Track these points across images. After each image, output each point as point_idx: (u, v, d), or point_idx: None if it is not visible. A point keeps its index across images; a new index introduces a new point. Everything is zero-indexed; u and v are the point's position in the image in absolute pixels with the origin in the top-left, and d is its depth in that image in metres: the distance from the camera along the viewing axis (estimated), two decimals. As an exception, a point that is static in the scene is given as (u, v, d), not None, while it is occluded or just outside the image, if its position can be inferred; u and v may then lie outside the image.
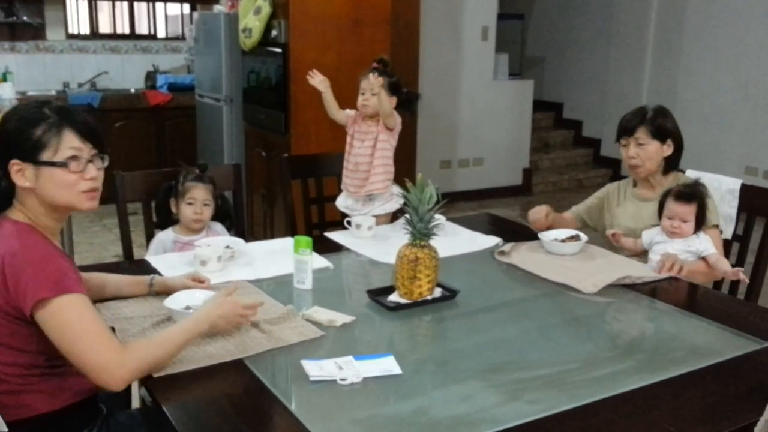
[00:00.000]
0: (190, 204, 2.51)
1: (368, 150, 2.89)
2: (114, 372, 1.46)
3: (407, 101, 2.91)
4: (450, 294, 2.02)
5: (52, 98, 5.82)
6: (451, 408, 1.47)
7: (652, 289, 2.17)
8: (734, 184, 2.63)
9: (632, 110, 2.59)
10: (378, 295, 2.00)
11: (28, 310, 1.47)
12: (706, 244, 2.36)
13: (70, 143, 1.57)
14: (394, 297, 1.97)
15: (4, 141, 1.57)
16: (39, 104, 1.60)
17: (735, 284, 2.53)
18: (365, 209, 2.91)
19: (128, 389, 2.00)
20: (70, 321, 1.47)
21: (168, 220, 2.60)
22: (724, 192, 2.63)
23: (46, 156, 1.55)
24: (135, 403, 2.10)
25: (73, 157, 1.57)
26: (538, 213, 2.67)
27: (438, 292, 2.01)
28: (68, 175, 1.57)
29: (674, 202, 2.38)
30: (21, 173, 1.55)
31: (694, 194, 2.38)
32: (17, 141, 1.55)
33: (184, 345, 1.59)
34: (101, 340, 1.48)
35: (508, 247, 2.44)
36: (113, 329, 1.76)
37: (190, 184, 2.52)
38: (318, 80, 2.92)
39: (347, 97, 2.97)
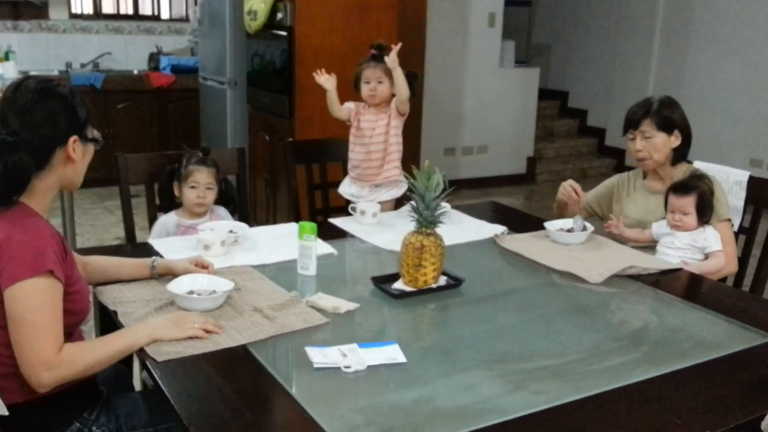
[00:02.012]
0: (192, 187, 2.49)
1: (381, 137, 2.86)
2: (40, 373, 1.45)
3: (407, 82, 2.87)
4: (455, 282, 2.01)
5: (55, 78, 5.80)
6: (455, 397, 1.46)
7: (657, 280, 2.15)
8: (742, 176, 2.61)
9: (638, 102, 2.56)
10: (383, 282, 1.98)
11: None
12: (711, 240, 2.34)
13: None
14: (398, 285, 1.96)
15: (67, 116, 1.57)
16: (57, 83, 1.61)
17: (740, 277, 2.51)
18: (371, 196, 2.88)
19: (130, 372, 2.01)
20: (29, 306, 1.45)
21: (171, 203, 2.58)
22: (731, 184, 2.61)
23: (90, 133, 1.63)
24: (137, 386, 2.09)
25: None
26: (567, 195, 2.63)
27: (443, 280, 1.99)
28: (92, 152, 1.65)
29: (672, 195, 2.38)
30: (74, 149, 1.58)
31: (690, 186, 2.37)
32: (75, 117, 1.58)
33: (122, 353, 1.57)
34: (46, 336, 1.45)
35: (507, 238, 2.44)
36: (115, 312, 1.75)
37: (193, 168, 2.50)
38: (324, 78, 2.85)
39: (353, 83, 2.92)
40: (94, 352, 1.54)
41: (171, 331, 1.60)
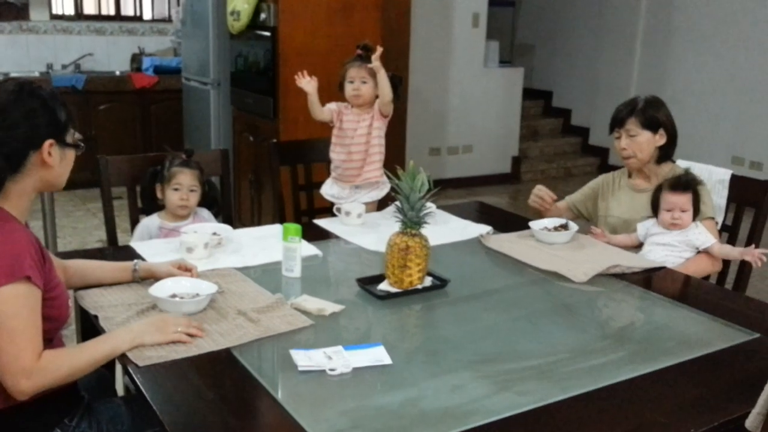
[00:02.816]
0: (176, 190, 2.47)
1: (363, 139, 2.85)
2: (20, 380, 1.43)
3: (392, 85, 2.86)
4: (440, 283, 2.00)
5: (36, 80, 5.73)
6: (441, 399, 1.45)
7: (641, 279, 2.16)
8: (724, 174, 2.63)
9: (624, 101, 2.58)
10: (368, 283, 1.97)
11: None
12: (705, 236, 2.34)
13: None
14: (384, 286, 1.95)
15: (45, 119, 1.54)
16: (39, 85, 1.59)
17: (723, 275, 2.53)
18: (352, 197, 2.87)
19: (112, 377, 1.98)
20: (7, 313, 1.42)
21: (153, 205, 2.56)
22: (714, 182, 2.62)
23: (70, 138, 1.60)
24: (119, 391, 2.07)
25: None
26: (539, 202, 2.63)
27: (428, 281, 1.99)
28: (73, 157, 1.63)
29: (671, 193, 2.36)
30: (48, 153, 1.54)
31: (689, 182, 2.38)
32: (54, 121, 1.56)
33: (103, 359, 1.54)
34: (24, 343, 1.43)
35: (492, 238, 2.44)
36: (96, 317, 1.73)
37: (176, 170, 2.48)
38: (305, 81, 2.82)
39: (337, 84, 2.91)
40: (74, 359, 1.51)
41: (154, 336, 1.58)
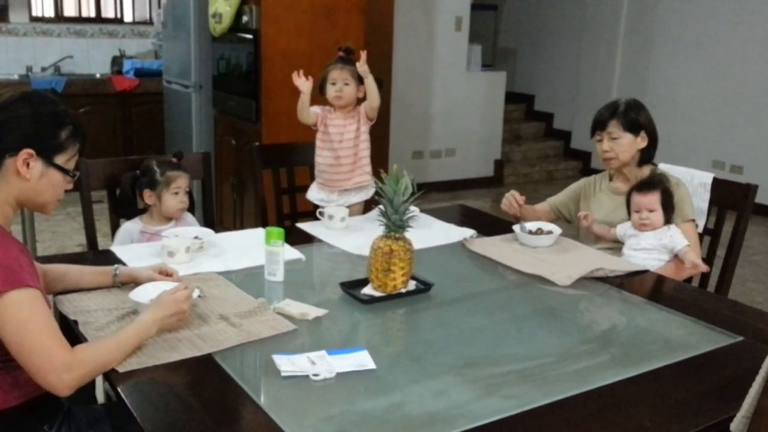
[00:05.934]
0: (175, 193, 2.46)
1: (351, 143, 2.83)
2: (62, 375, 1.42)
3: None
4: (424, 287, 1.99)
5: (15, 84, 5.67)
6: (425, 404, 1.44)
7: (625, 282, 2.16)
8: (706, 178, 2.64)
9: (606, 104, 2.59)
10: (351, 287, 1.96)
11: None
12: (677, 239, 2.35)
13: (76, 156, 1.63)
14: (367, 290, 1.94)
15: (30, 129, 1.53)
16: (54, 101, 1.59)
17: (705, 278, 2.54)
18: (341, 200, 2.86)
19: (92, 383, 1.95)
20: (21, 317, 1.42)
21: (132, 210, 2.53)
22: (696, 186, 2.64)
23: (60, 160, 1.58)
24: (99, 399, 2.04)
25: (76, 170, 1.64)
26: (508, 205, 2.64)
27: (412, 285, 1.98)
28: (65, 184, 1.62)
29: (636, 194, 2.40)
30: (25, 163, 1.52)
31: (653, 182, 2.40)
32: (43, 135, 1.55)
33: (132, 350, 1.55)
34: (52, 341, 1.43)
35: (476, 241, 2.43)
36: (76, 322, 1.70)
37: (174, 174, 2.48)
38: (301, 81, 2.78)
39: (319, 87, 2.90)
40: (107, 352, 1.50)
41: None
